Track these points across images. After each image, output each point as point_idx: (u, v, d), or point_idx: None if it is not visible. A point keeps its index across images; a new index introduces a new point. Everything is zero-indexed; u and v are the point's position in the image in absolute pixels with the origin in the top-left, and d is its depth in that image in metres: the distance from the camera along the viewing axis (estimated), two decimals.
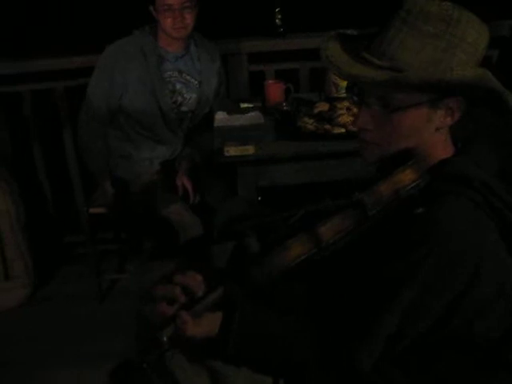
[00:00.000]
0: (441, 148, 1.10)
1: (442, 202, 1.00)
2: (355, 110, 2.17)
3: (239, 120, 2.29)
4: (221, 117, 2.32)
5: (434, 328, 1.01)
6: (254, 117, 2.31)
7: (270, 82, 2.56)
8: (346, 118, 2.10)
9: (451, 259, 0.97)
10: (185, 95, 2.43)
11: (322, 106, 2.23)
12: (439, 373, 1.09)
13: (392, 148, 1.08)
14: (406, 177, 1.03)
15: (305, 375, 1.07)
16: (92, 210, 2.46)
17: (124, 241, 2.80)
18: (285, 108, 2.38)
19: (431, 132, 1.07)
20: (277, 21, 2.88)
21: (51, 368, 2.18)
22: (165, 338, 0.95)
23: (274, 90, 2.46)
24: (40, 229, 2.84)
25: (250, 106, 2.44)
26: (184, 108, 2.45)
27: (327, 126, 2.09)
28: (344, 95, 2.31)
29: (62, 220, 2.98)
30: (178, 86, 2.41)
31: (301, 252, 1.00)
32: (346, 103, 2.15)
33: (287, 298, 1.20)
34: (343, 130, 2.07)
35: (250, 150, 2.00)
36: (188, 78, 2.42)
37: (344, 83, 2.30)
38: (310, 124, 2.12)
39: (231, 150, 2.00)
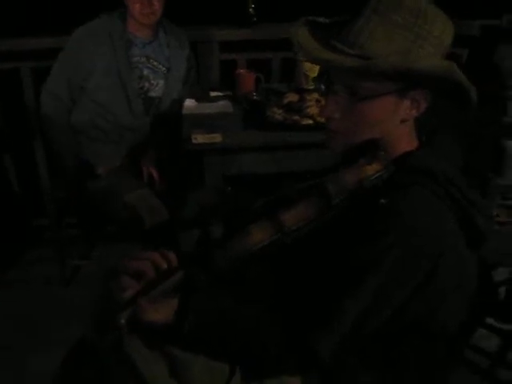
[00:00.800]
0: (405, 140, 1.12)
1: (406, 193, 1.01)
2: (324, 102, 2.19)
3: (208, 108, 2.29)
4: (190, 104, 2.32)
5: (396, 317, 1.02)
6: (223, 105, 2.31)
7: (241, 71, 2.56)
8: (314, 110, 2.11)
9: (414, 251, 0.99)
10: (152, 81, 2.41)
11: (292, 97, 2.24)
12: (399, 362, 1.12)
13: (357, 138, 1.09)
14: (371, 167, 1.04)
15: (262, 362, 1.08)
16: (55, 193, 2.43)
17: (89, 226, 2.77)
18: (255, 98, 2.38)
19: (396, 124, 1.08)
20: (250, 10, 2.87)
21: (13, 353, 2.16)
22: (123, 321, 0.94)
23: (245, 80, 2.46)
24: (5, 212, 2.80)
25: (220, 94, 2.44)
26: (151, 94, 2.43)
27: (296, 117, 2.10)
28: (313, 87, 2.32)
29: (28, 203, 2.93)
30: (146, 72, 2.39)
31: (263, 237, 1.00)
32: (316, 95, 2.16)
33: (250, 284, 1.21)
34: (311, 122, 2.07)
35: (217, 138, 2.00)
36: (155, 64, 2.40)
37: (314, 74, 2.32)
38: (278, 114, 2.13)
39: (199, 138, 2.00)
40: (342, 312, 1.00)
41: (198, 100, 2.34)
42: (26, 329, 2.30)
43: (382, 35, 1.01)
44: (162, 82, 2.43)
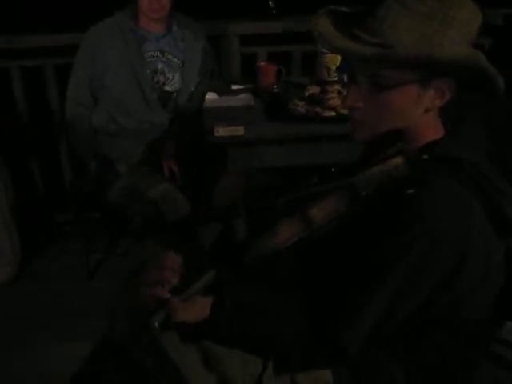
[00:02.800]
0: (431, 129, 1.10)
1: (431, 183, 0.99)
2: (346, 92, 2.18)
3: (230, 101, 2.28)
4: (211, 97, 2.31)
5: (421, 311, 1.01)
6: (244, 98, 2.30)
7: (262, 64, 2.55)
8: (336, 102, 2.09)
9: (438, 243, 0.97)
10: (167, 75, 2.41)
11: (313, 89, 2.23)
12: (423, 355, 1.11)
13: (381, 127, 1.08)
14: (397, 158, 1.02)
15: (292, 356, 1.08)
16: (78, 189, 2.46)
17: (111, 221, 2.79)
18: (276, 90, 2.37)
19: (420, 113, 1.07)
20: (270, 2, 2.86)
21: (36, 345, 2.18)
22: (156, 324, 0.96)
23: (266, 72, 2.46)
24: (28, 207, 2.83)
25: (241, 87, 2.43)
26: (168, 88, 2.43)
27: (318, 109, 2.09)
28: (335, 79, 2.31)
29: (51, 198, 2.96)
30: (160, 66, 2.39)
31: (292, 234, 1.00)
32: (337, 87, 2.15)
33: (278, 279, 1.21)
34: (333, 113, 2.06)
35: (239, 131, 2.00)
36: (170, 57, 2.40)
37: (335, 67, 2.30)
38: (300, 106, 2.12)
39: (221, 131, 2.00)
40: (369, 306, 1.00)
41: (219, 93, 2.34)
42: (50, 321, 2.32)
43: (404, 24, 0.99)
44: (177, 75, 2.43)
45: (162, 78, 2.41)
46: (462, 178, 1.00)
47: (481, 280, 1.04)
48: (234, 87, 2.44)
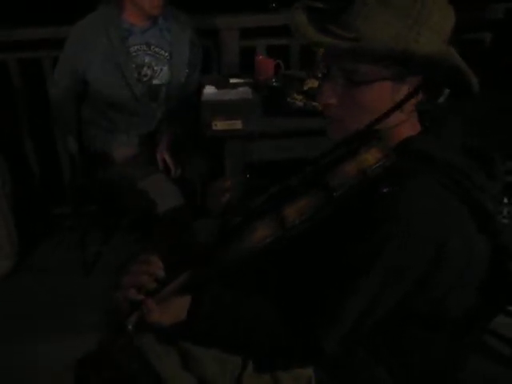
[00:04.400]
0: (405, 127, 1.08)
1: (406, 181, 0.99)
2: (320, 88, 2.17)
3: (228, 95, 2.28)
4: (209, 91, 2.31)
5: (401, 306, 1.01)
6: (242, 92, 2.30)
7: (261, 57, 2.55)
8: None
9: (414, 240, 0.96)
10: (155, 68, 2.38)
11: (312, 83, 2.22)
12: (406, 351, 1.11)
13: (355, 124, 1.06)
14: (372, 156, 1.00)
15: (273, 355, 1.08)
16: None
17: (106, 214, 2.79)
18: (274, 84, 2.37)
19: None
20: (273, 5, 2.86)
21: (36, 338, 2.18)
22: (130, 327, 0.97)
23: (264, 66, 2.45)
24: (26, 200, 2.82)
25: (240, 81, 2.43)
26: (156, 81, 2.40)
27: (316, 103, 2.08)
28: None
29: (49, 191, 2.96)
30: (147, 59, 2.36)
31: (267, 233, 0.99)
32: None
33: (254, 280, 1.21)
34: None
35: (237, 124, 2.00)
36: (157, 49, 2.37)
37: None
38: (298, 100, 2.12)
39: (219, 124, 2.00)
40: (345, 306, 0.99)
41: (217, 87, 2.33)
42: (48, 315, 2.32)
43: (379, 19, 0.98)
44: (165, 67, 2.39)
45: (149, 72, 2.38)
46: (435, 175, 0.99)
47: (461, 274, 1.03)
48: (233, 81, 2.44)
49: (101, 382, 1.17)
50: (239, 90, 2.32)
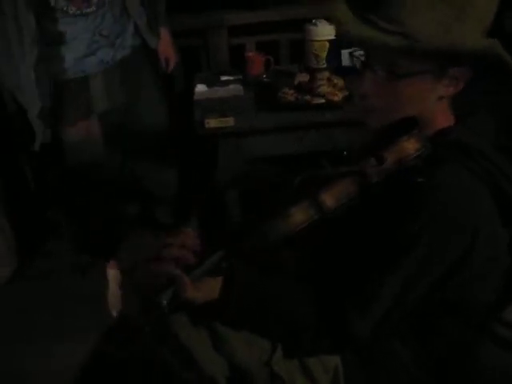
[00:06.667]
0: (442, 117, 1.09)
1: (440, 170, 1.00)
2: (335, 80, 2.18)
3: (219, 92, 2.28)
4: (201, 89, 2.31)
5: (432, 294, 1.02)
6: (234, 89, 2.30)
7: (250, 54, 2.54)
8: (326, 89, 2.10)
9: (448, 228, 0.98)
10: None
11: (302, 77, 2.23)
12: (430, 338, 1.12)
13: (394, 115, 1.07)
14: (410, 146, 1.02)
15: (302, 340, 1.07)
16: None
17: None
18: (265, 80, 2.37)
19: (434, 100, 1.06)
20: None
21: (37, 344, 2.18)
22: (164, 302, 0.94)
23: (255, 63, 2.44)
24: (22, 205, 2.82)
25: (231, 78, 2.42)
26: None
27: (307, 97, 2.09)
28: (324, 66, 2.30)
29: (45, 195, 2.95)
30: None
31: (303, 218, 0.99)
32: (327, 74, 2.15)
33: (288, 263, 1.22)
34: (323, 101, 2.07)
35: (230, 121, 2.00)
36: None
37: (324, 54, 2.30)
38: (290, 95, 2.12)
39: (211, 122, 2.00)
40: (380, 292, 1.00)
41: (208, 85, 2.33)
42: (49, 318, 2.31)
43: (423, 11, 0.96)
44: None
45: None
46: (470, 165, 1.00)
47: (490, 264, 1.05)
48: (224, 78, 2.43)
49: (130, 360, 1.15)
50: (230, 87, 2.32)
